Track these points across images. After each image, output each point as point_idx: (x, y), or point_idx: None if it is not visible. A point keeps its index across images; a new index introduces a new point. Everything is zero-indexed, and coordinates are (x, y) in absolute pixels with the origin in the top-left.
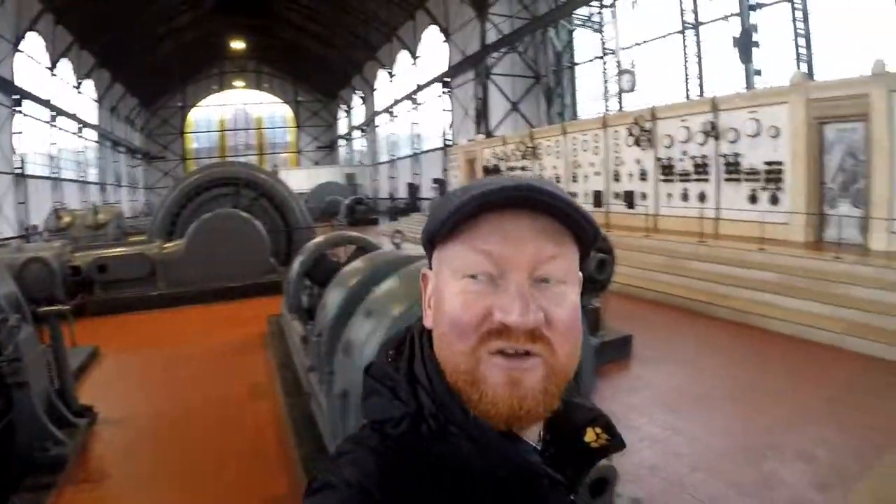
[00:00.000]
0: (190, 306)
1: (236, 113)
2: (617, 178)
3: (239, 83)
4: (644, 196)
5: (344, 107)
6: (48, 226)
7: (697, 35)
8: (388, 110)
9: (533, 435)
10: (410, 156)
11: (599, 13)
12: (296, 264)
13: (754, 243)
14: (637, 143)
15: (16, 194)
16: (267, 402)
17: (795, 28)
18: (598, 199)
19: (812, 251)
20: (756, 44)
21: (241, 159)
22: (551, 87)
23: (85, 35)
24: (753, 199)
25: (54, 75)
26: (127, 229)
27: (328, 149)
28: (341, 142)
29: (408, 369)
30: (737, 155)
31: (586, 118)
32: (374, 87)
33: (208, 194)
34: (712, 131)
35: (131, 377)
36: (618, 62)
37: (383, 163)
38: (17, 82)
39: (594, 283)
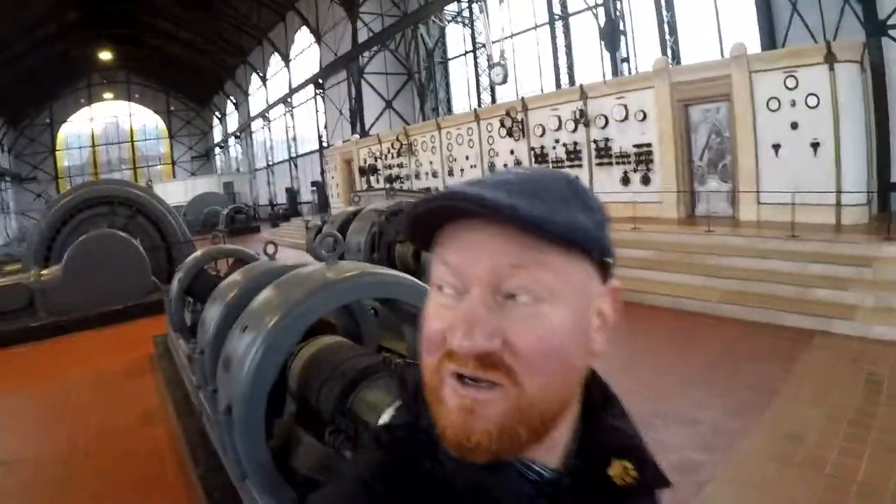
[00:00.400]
0: (74, 334)
1: (107, 127)
2: (493, 169)
3: (108, 95)
4: None
5: (217, 114)
6: None
7: (566, 26)
8: (262, 115)
9: (553, 458)
10: (287, 160)
11: (469, 8)
12: (175, 282)
13: (629, 223)
14: (510, 134)
15: None
16: (161, 426)
17: (661, 16)
18: None
19: (685, 226)
20: (623, 32)
21: (116, 175)
22: (423, 83)
23: None
24: (626, 180)
25: None
26: (0, 258)
27: (204, 158)
28: (217, 150)
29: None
30: (607, 140)
31: (461, 112)
32: (248, 92)
33: (82, 216)
34: (582, 118)
35: (20, 417)
36: (489, 56)
37: (261, 169)
38: None
39: None
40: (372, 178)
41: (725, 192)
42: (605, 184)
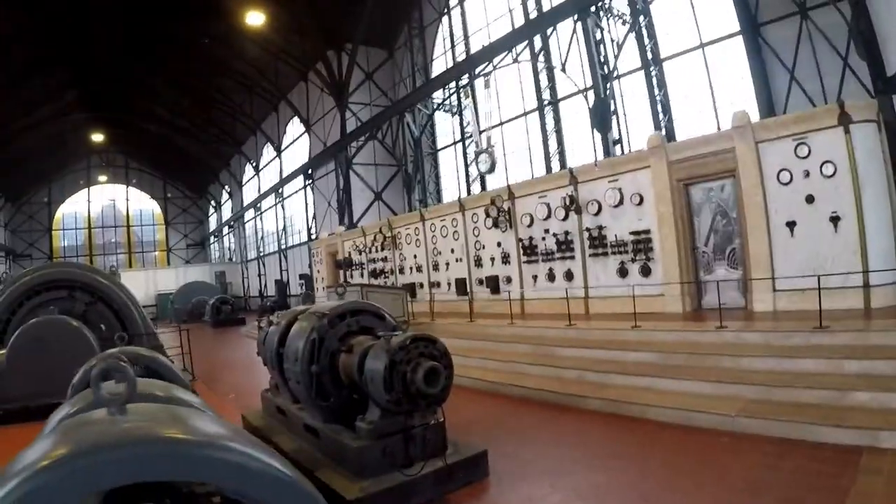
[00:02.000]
0: (15, 426)
1: (104, 209)
2: (479, 263)
3: (104, 178)
4: (508, 280)
5: (213, 203)
6: None
7: (556, 110)
8: (254, 205)
9: None
10: (277, 252)
11: (458, 96)
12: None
13: (628, 321)
14: (496, 224)
15: None
16: None
17: (653, 94)
18: (461, 287)
19: (692, 322)
20: (614, 113)
21: (111, 258)
22: (409, 173)
23: None
24: (623, 272)
25: None
26: None
27: (199, 246)
28: (212, 239)
29: None
30: (601, 228)
31: (446, 203)
32: (241, 181)
33: (40, 298)
34: (573, 205)
35: None
36: (476, 143)
37: (252, 260)
38: None
39: (425, 398)
40: (356, 272)
41: (736, 280)
42: (599, 277)
